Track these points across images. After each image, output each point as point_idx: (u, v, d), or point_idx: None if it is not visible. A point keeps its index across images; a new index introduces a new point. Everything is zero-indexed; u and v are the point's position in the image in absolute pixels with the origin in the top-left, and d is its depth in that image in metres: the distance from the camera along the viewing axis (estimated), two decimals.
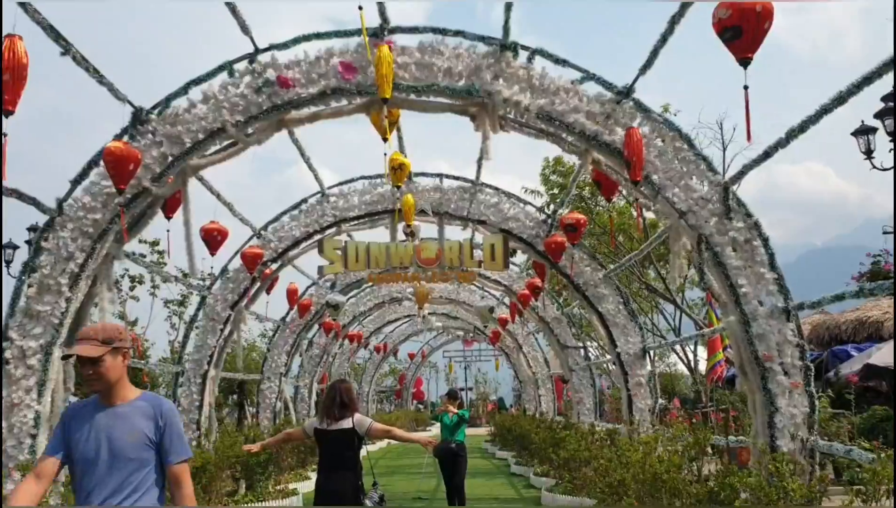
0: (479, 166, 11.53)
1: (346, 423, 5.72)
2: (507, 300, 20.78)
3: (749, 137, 4.93)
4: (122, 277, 15.32)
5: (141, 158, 6.85)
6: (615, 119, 7.18)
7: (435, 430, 37.78)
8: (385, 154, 7.90)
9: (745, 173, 6.87)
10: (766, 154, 6.32)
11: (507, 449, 20.50)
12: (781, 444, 6.43)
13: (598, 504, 9.07)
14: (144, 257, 15.52)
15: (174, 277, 12.17)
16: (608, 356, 21.67)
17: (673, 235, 7.15)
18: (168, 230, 10.84)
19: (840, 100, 5.58)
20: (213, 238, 9.52)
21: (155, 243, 16.96)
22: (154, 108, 7.31)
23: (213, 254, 9.64)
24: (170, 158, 7.20)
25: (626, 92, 7.16)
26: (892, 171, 9.51)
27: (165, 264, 16.18)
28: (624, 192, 9.74)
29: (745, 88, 4.86)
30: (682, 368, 24.27)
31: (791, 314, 6.64)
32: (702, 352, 19.48)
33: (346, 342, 24.75)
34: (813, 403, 6.55)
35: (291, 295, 14.05)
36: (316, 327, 18.92)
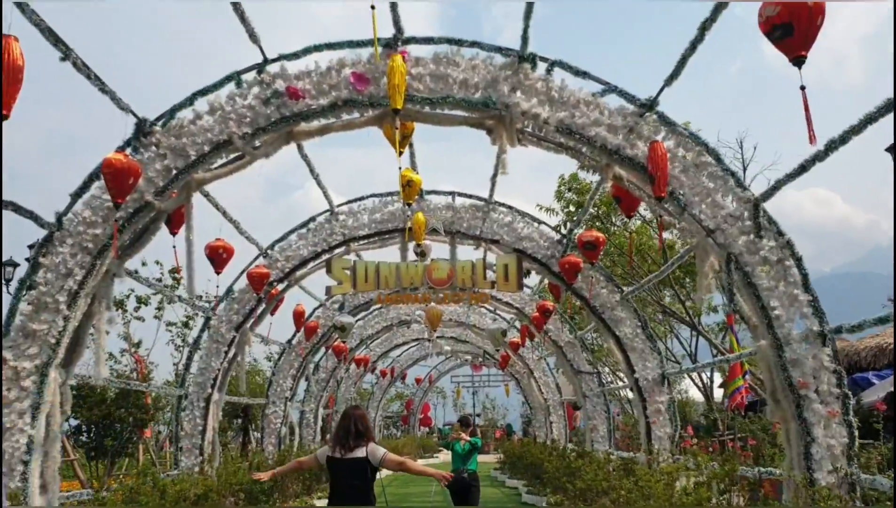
0: (493, 184, 11.23)
1: (360, 452, 5.38)
2: (517, 324, 20.45)
3: (812, 139, 4.58)
4: (128, 297, 15.02)
5: (142, 171, 6.56)
6: (638, 133, 6.86)
7: (443, 457, 37.27)
8: (399, 168, 7.60)
9: (778, 189, 6.51)
10: (803, 168, 5.98)
11: (517, 478, 19.99)
12: (819, 477, 6.01)
13: None
14: (160, 280, 15.22)
15: (178, 296, 11.83)
16: (621, 382, 21.26)
17: (700, 253, 6.79)
18: (174, 247, 10.63)
19: (870, 119, 5.29)
20: (219, 256, 9.22)
21: (174, 271, 16.65)
22: (158, 119, 7.04)
23: (218, 273, 9.33)
24: (174, 172, 6.91)
25: (650, 105, 6.85)
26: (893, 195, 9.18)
27: (178, 286, 15.88)
28: (643, 210, 9.39)
29: (802, 88, 4.52)
30: (693, 394, 23.76)
31: (827, 339, 6.25)
32: (717, 378, 19.00)
33: (353, 365, 24.37)
34: (852, 433, 6.14)
35: (298, 317, 13.70)
36: (322, 350, 18.55)
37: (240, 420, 20.58)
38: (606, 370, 20.49)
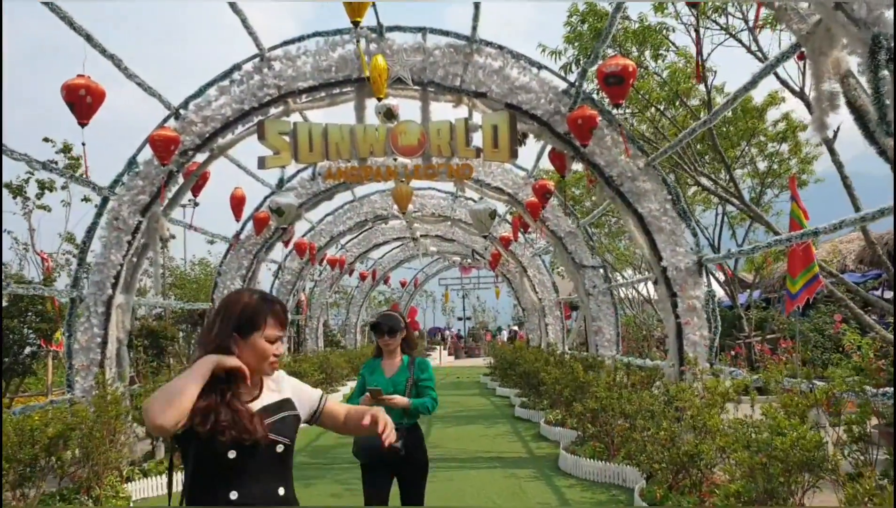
0: (477, 13, 8.36)
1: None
2: (508, 218, 17.87)
3: None
4: (27, 182, 12.20)
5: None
6: None
7: (432, 361, 35.44)
8: None
9: None
10: None
11: (509, 385, 17.87)
12: None
13: (659, 483, 6.24)
14: (55, 163, 12.36)
15: (71, 174, 9.04)
16: (627, 277, 18.85)
17: (819, 39, 4.05)
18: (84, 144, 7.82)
19: None
20: (81, 100, 6.45)
21: (66, 149, 13.78)
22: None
23: (82, 124, 6.57)
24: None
25: None
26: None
27: (79, 169, 13.04)
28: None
29: None
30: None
31: None
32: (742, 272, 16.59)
33: (328, 267, 21.88)
34: None
35: (236, 204, 10.95)
36: (285, 248, 15.97)
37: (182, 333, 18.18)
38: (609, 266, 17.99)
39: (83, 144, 7.28)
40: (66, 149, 13.54)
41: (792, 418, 4.69)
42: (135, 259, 9.09)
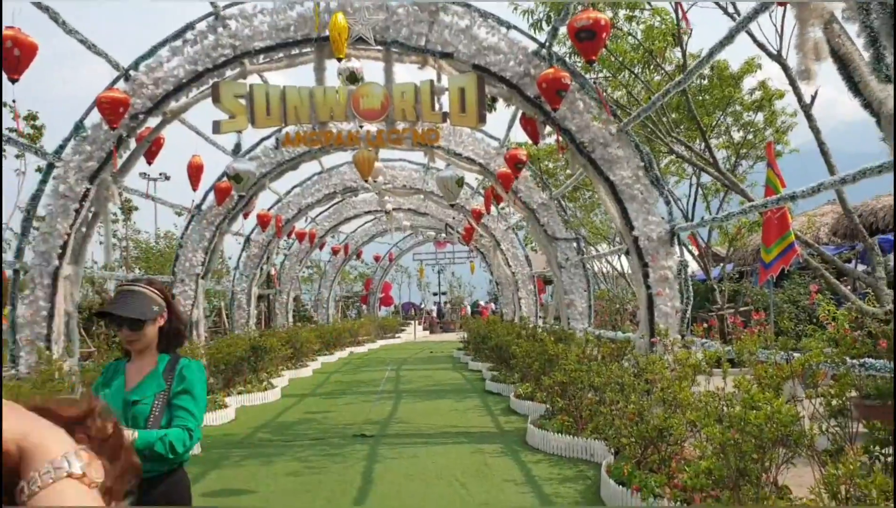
0: None
1: None
2: (482, 190, 17.51)
3: None
4: None
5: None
6: None
7: (406, 336, 35.22)
8: None
9: None
10: None
11: (482, 360, 17.67)
12: None
13: (626, 459, 6.00)
14: (13, 131, 11.77)
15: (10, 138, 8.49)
16: (601, 250, 18.67)
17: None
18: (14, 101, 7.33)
19: None
20: (7, 53, 5.96)
21: (32, 117, 13.17)
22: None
23: (11, 79, 6.09)
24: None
25: None
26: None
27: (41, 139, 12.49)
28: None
29: None
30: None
31: None
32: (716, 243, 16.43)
33: (297, 241, 21.41)
34: None
35: (194, 172, 10.47)
36: (245, 220, 15.49)
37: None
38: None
39: (13, 102, 6.80)
40: (31, 117, 12.94)
41: (766, 391, 4.45)
42: (84, 229, 8.64)
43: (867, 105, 3.54)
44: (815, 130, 7.78)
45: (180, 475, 2.80)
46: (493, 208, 17.25)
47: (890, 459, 3.40)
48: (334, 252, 27.30)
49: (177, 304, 3.05)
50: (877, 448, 3.39)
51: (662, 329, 7.61)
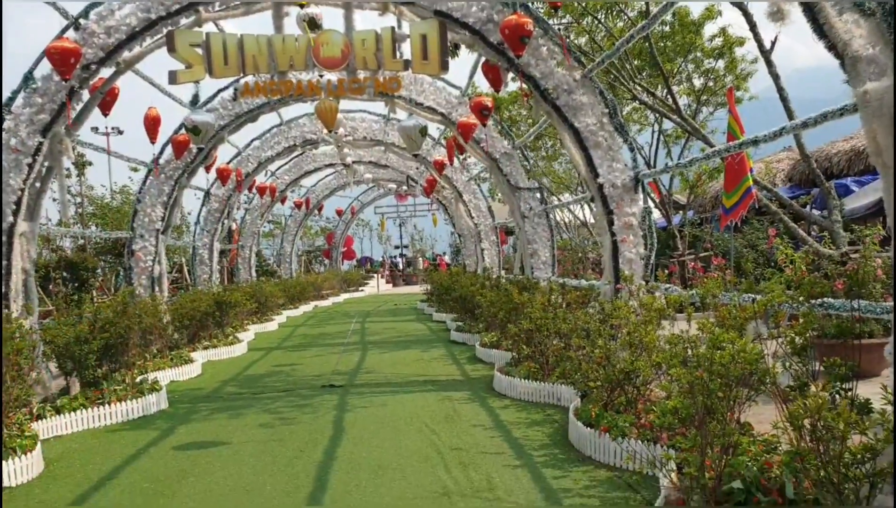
0: None
1: None
2: (443, 140, 17.40)
3: None
4: None
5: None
6: None
7: (369, 289, 35.19)
8: None
9: None
10: None
11: (446, 311, 17.81)
12: None
13: (594, 402, 6.14)
14: None
15: None
16: (563, 199, 18.76)
17: None
18: None
19: None
20: None
21: None
22: None
23: None
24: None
25: None
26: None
27: None
28: None
29: None
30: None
31: None
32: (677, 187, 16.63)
33: (258, 195, 21.10)
34: None
35: (150, 124, 10.19)
36: (207, 174, 15.22)
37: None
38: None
39: None
40: None
41: (730, 331, 4.56)
42: (38, 184, 8.40)
43: (831, 47, 3.58)
44: (775, 76, 7.87)
45: None
46: (455, 160, 17.22)
47: (851, 394, 3.53)
48: (297, 206, 27.03)
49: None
50: (838, 383, 3.52)
51: (627, 275, 7.74)
